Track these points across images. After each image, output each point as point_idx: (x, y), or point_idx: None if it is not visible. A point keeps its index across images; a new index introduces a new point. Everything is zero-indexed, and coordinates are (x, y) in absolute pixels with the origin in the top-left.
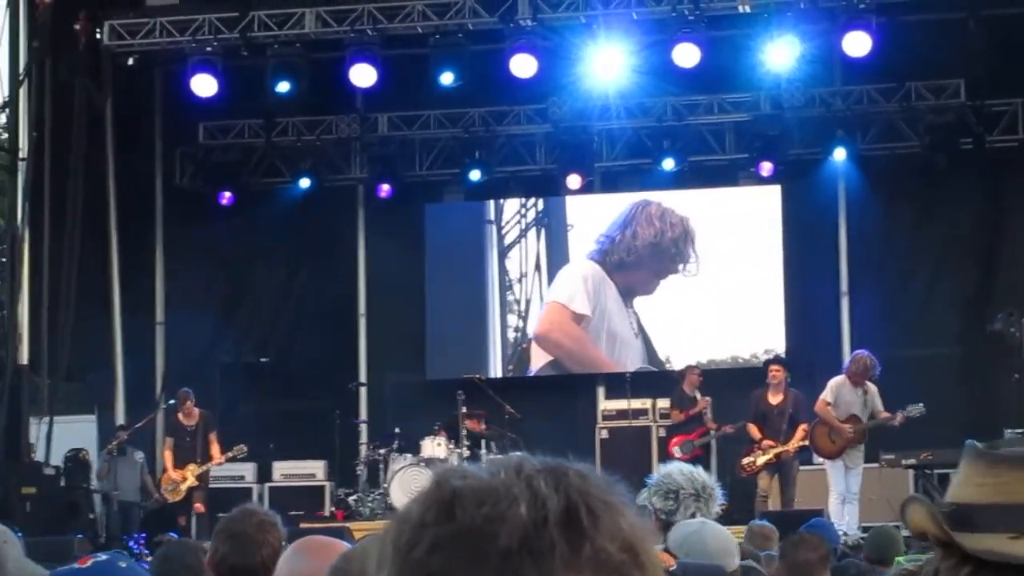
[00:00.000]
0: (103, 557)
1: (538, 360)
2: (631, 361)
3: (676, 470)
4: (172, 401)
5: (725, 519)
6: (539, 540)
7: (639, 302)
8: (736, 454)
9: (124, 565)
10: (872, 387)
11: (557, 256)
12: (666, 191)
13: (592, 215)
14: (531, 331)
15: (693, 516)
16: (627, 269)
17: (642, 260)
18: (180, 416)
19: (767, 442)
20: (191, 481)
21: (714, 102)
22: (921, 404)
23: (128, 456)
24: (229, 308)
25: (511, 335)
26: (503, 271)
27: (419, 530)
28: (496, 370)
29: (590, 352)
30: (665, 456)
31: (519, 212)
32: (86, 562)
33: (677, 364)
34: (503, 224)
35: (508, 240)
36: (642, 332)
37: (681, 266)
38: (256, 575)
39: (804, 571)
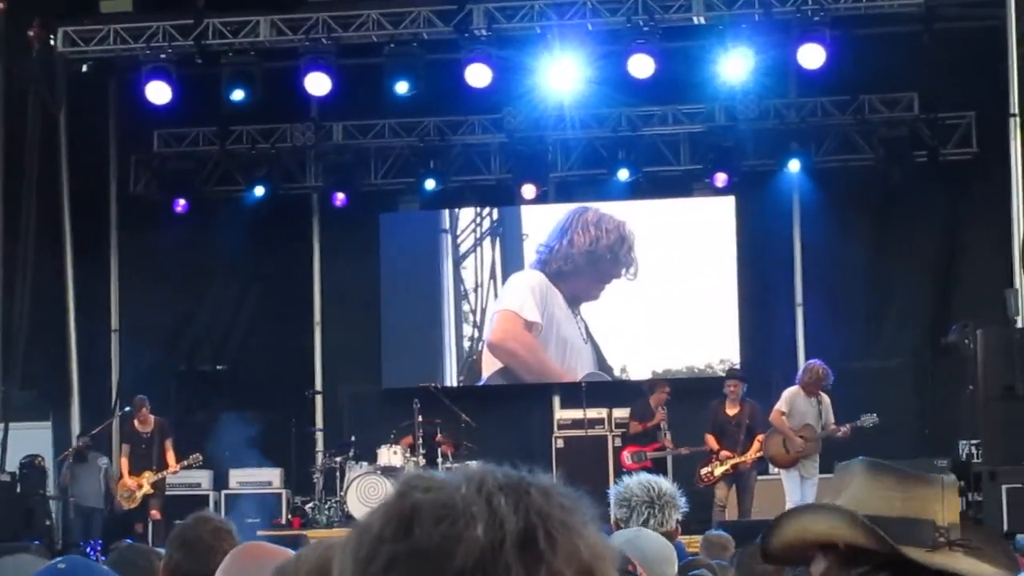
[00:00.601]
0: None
1: (489, 368)
2: (581, 367)
3: (635, 481)
4: (127, 408)
5: (682, 528)
6: (494, 563)
7: (592, 310)
8: (693, 464)
9: (62, 567)
10: (826, 398)
11: (512, 265)
12: (621, 201)
13: (547, 225)
14: (484, 340)
15: (646, 523)
16: (567, 277)
17: (579, 268)
18: (136, 423)
19: (724, 453)
20: (147, 488)
21: (669, 113)
22: (875, 414)
23: (90, 462)
24: (184, 316)
25: (466, 344)
26: (458, 280)
27: (377, 544)
28: (451, 379)
29: (541, 360)
30: (620, 466)
31: (474, 221)
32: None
33: (633, 374)
34: (458, 233)
35: (463, 249)
36: (591, 338)
37: (623, 271)
38: None
39: None
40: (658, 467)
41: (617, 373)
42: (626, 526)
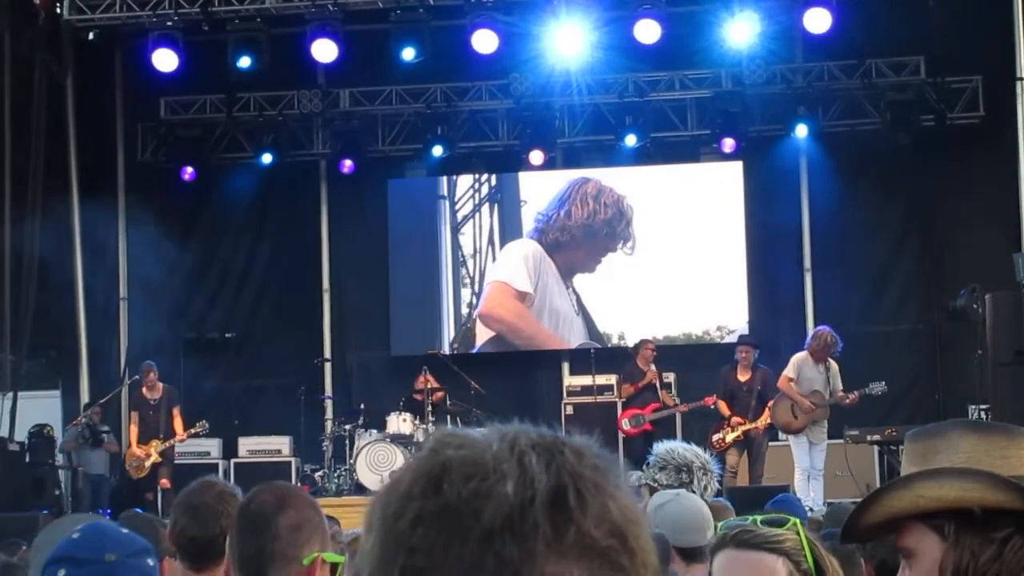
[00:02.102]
0: (86, 521)
1: (482, 337)
2: (574, 337)
3: (679, 447)
4: (136, 377)
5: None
6: (522, 521)
7: (593, 278)
8: (704, 431)
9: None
10: (834, 365)
11: (510, 232)
12: (628, 167)
13: (546, 191)
14: (476, 310)
15: (706, 489)
16: (563, 248)
17: (576, 240)
18: (144, 390)
19: (736, 419)
20: (155, 458)
21: (676, 78)
22: (883, 382)
23: (97, 428)
24: (192, 284)
25: (464, 311)
26: (456, 247)
27: (405, 501)
28: (447, 347)
29: (534, 328)
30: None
31: (472, 187)
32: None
33: (631, 341)
34: (456, 200)
35: (461, 215)
36: (583, 309)
37: (620, 245)
38: (215, 546)
39: None
40: (666, 430)
41: (615, 340)
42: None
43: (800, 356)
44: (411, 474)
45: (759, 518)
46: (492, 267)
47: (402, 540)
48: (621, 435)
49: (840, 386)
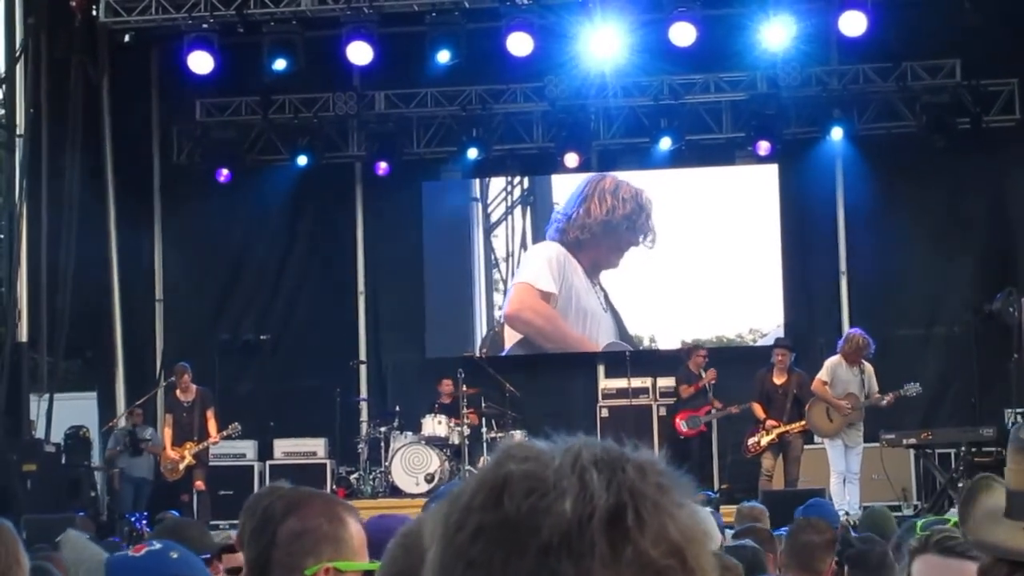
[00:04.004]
0: (156, 546)
1: (510, 340)
2: (602, 336)
3: None
4: (172, 379)
5: (727, 498)
6: (580, 539)
7: (620, 279)
8: (739, 433)
9: (175, 556)
10: (869, 367)
11: (542, 235)
12: (663, 170)
13: (572, 193)
14: (502, 312)
15: None
16: (584, 246)
17: (596, 237)
18: (178, 392)
19: (771, 422)
20: (189, 460)
21: (711, 81)
22: (917, 383)
23: (139, 436)
24: (228, 286)
25: (497, 314)
26: (489, 249)
27: (466, 513)
28: (477, 350)
29: (561, 328)
30: (667, 435)
31: (505, 190)
32: (140, 551)
33: (662, 344)
34: (488, 202)
35: (494, 218)
36: (611, 307)
37: (641, 238)
38: None
39: (807, 554)
40: (702, 436)
41: (646, 343)
42: None
43: (834, 359)
44: (474, 486)
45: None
46: (517, 270)
47: (461, 553)
48: (680, 435)
49: (876, 388)
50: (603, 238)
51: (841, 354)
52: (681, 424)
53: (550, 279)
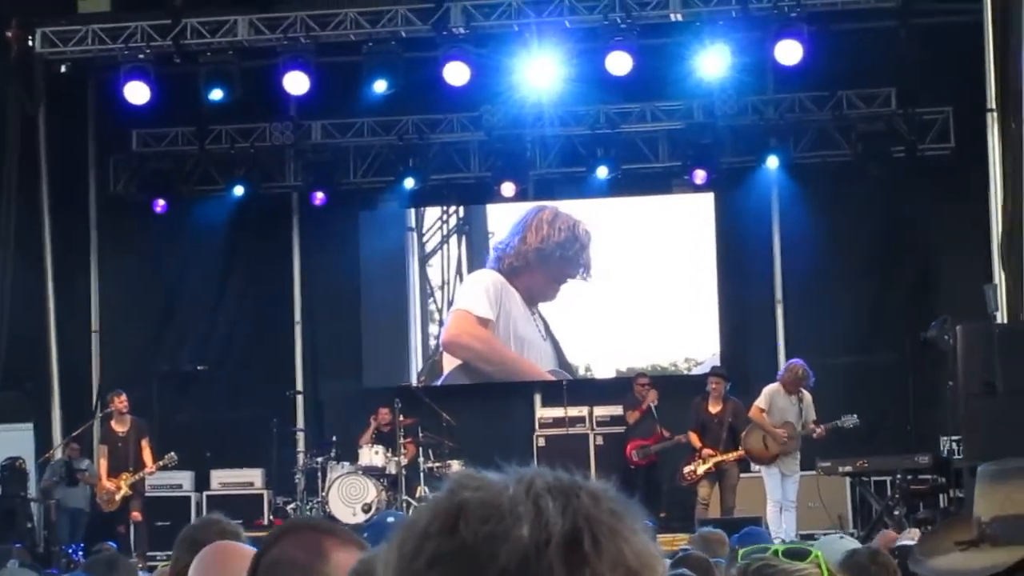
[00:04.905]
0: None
1: (449, 366)
2: (542, 363)
3: None
4: (108, 410)
5: (664, 527)
6: (538, 564)
7: (561, 309)
8: (676, 462)
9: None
10: (807, 396)
11: (478, 263)
12: (599, 199)
13: (513, 223)
14: (440, 340)
15: None
16: (520, 274)
17: (531, 264)
18: (112, 423)
19: (707, 451)
20: (125, 491)
21: (647, 110)
22: (854, 415)
23: (74, 466)
24: (165, 317)
25: (431, 343)
26: (424, 278)
27: (422, 540)
28: (414, 379)
29: (500, 351)
30: (606, 463)
31: (440, 219)
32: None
33: (598, 373)
34: (424, 232)
35: (429, 248)
36: (550, 336)
37: (578, 272)
38: None
39: None
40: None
41: (582, 372)
42: None
43: (772, 387)
44: (428, 513)
45: (780, 549)
46: (453, 298)
47: None
48: (631, 465)
49: (813, 416)
50: (537, 266)
51: (780, 382)
52: (633, 455)
53: (487, 306)
